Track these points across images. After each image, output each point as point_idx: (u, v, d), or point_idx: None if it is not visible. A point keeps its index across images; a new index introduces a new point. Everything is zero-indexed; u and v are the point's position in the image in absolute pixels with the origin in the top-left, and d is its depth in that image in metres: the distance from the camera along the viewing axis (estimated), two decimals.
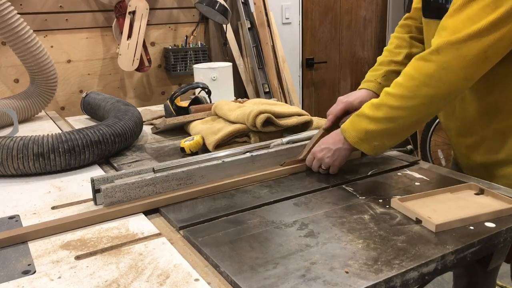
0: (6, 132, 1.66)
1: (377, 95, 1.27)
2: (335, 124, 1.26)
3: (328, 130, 1.24)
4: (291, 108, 1.51)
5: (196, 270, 0.79)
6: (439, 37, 0.97)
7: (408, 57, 1.30)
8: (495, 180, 1.13)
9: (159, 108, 2.06)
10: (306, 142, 1.29)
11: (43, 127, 1.83)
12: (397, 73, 1.29)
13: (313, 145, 1.22)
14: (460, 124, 1.23)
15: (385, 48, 1.41)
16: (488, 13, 0.90)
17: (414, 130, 1.09)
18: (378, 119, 1.04)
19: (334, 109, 1.26)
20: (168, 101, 1.77)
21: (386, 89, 1.05)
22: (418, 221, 0.91)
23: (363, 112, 1.08)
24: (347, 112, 1.26)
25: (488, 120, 1.14)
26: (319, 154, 1.17)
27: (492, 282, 1.46)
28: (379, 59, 1.39)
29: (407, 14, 1.39)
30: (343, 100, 1.26)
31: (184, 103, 1.84)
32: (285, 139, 1.31)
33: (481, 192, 1.03)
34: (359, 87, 1.34)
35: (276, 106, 1.55)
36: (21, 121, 1.90)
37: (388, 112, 1.02)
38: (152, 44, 2.68)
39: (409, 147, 1.40)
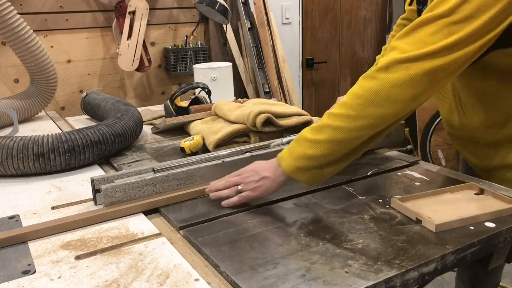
0: (6, 132, 1.66)
1: None
2: None
3: None
4: (291, 108, 1.51)
5: (196, 270, 0.79)
6: (387, 56, 0.91)
7: None
8: (499, 183, 1.13)
9: (159, 108, 2.06)
10: None
11: (43, 127, 1.84)
12: None
13: None
14: (463, 133, 1.22)
15: (383, 47, 1.40)
16: (440, 39, 0.87)
17: (355, 157, 0.98)
18: (320, 142, 0.92)
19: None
20: (168, 101, 1.77)
21: (329, 110, 0.96)
22: (418, 221, 0.91)
23: (302, 136, 0.96)
24: None
25: (493, 130, 1.13)
26: (247, 174, 1.02)
27: (493, 281, 1.46)
28: (378, 58, 1.38)
29: (403, 15, 1.38)
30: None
31: (184, 103, 1.84)
32: (285, 139, 1.31)
33: (481, 192, 1.03)
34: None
35: (276, 106, 1.55)
36: (21, 121, 1.90)
37: (331, 134, 0.91)
38: (152, 44, 2.68)
39: (409, 147, 1.40)
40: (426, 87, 0.89)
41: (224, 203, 1.02)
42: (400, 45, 0.91)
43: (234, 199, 1.01)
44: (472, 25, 0.85)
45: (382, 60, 0.91)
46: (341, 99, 0.95)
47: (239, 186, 1.02)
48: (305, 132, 0.96)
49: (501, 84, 1.06)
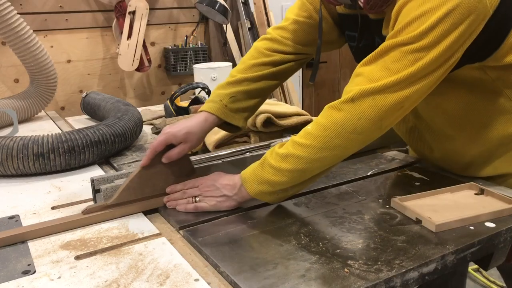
0: (6, 132, 1.66)
1: (220, 120, 1.12)
2: (156, 160, 1.04)
3: (146, 168, 1.02)
4: (291, 108, 1.51)
5: (196, 270, 0.79)
6: (353, 84, 0.91)
7: (269, 77, 1.17)
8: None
9: (159, 108, 2.06)
10: None
11: (43, 127, 1.83)
12: (248, 93, 1.15)
13: (127, 185, 1.00)
14: (441, 155, 1.18)
15: (242, 59, 1.21)
16: (406, 66, 0.86)
17: (320, 178, 0.99)
18: (284, 171, 0.92)
19: (154, 143, 1.06)
20: (168, 101, 1.77)
21: (293, 137, 0.95)
22: (418, 221, 0.91)
23: (267, 161, 0.95)
24: (170, 146, 1.05)
25: (473, 146, 1.09)
26: (206, 187, 1.01)
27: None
28: (232, 73, 1.18)
29: (280, 24, 1.20)
30: (166, 131, 1.05)
31: (184, 103, 1.84)
32: (285, 139, 1.31)
33: (481, 192, 1.03)
34: (201, 108, 1.14)
35: (276, 106, 1.55)
36: (21, 121, 1.90)
37: (295, 163, 0.91)
38: (152, 44, 2.69)
39: (408, 146, 1.40)
40: (393, 117, 0.90)
41: (179, 207, 1.01)
42: (366, 72, 0.90)
43: (190, 206, 1.00)
44: (436, 50, 0.85)
45: (348, 89, 0.91)
46: (306, 127, 0.94)
47: (196, 198, 1.01)
48: (270, 157, 0.95)
49: (471, 96, 1.03)
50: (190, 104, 1.78)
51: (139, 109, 1.86)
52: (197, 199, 1.01)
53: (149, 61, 2.59)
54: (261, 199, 0.98)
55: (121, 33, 2.45)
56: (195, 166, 1.12)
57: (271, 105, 1.55)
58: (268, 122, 1.40)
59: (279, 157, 0.94)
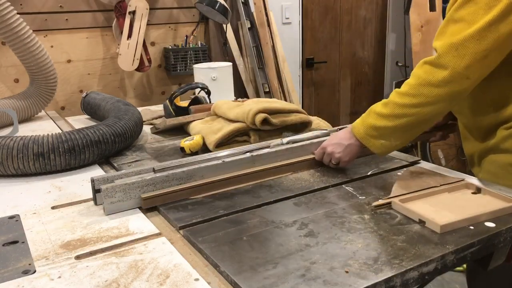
0: (6, 132, 1.66)
1: None
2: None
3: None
4: (290, 105, 1.51)
5: (196, 270, 0.79)
6: (438, 41, 1.02)
7: None
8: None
9: (159, 108, 2.06)
10: (307, 142, 1.29)
11: (43, 127, 1.84)
12: None
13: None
14: (459, 115, 1.25)
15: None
16: (482, 15, 0.95)
17: (421, 130, 1.12)
18: (385, 115, 1.08)
19: None
20: (167, 101, 1.76)
21: (396, 89, 1.10)
22: (422, 222, 0.91)
23: (373, 108, 1.12)
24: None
25: (479, 117, 1.17)
26: (329, 148, 1.19)
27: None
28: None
29: None
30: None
31: (184, 103, 1.84)
32: (285, 139, 1.31)
33: (478, 191, 1.03)
34: None
35: (275, 103, 1.55)
36: (21, 121, 1.90)
37: (394, 109, 1.06)
38: (152, 44, 2.68)
39: (408, 144, 1.41)
40: (477, 66, 0.97)
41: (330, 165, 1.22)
42: (447, 30, 1.01)
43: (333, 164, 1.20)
44: None
45: (434, 45, 1.03)
46: (407, 80, 1.09)
47: (332, 161, 1.20)
48: (375, 105, 1.12)
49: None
50: (190, 104, 1.78)
51: (139, 109, 1.86)
52: (333, 161, 1.19)
53: (149, 61, 2.58)
54: (366, 144, 1.12)
55: (121, 33, 2.44)
56: (195, 166, 1.12)
57: (269, 102, 1.55)
58: (267, 120, 1.39)
59: (382, 104, 1.10)
